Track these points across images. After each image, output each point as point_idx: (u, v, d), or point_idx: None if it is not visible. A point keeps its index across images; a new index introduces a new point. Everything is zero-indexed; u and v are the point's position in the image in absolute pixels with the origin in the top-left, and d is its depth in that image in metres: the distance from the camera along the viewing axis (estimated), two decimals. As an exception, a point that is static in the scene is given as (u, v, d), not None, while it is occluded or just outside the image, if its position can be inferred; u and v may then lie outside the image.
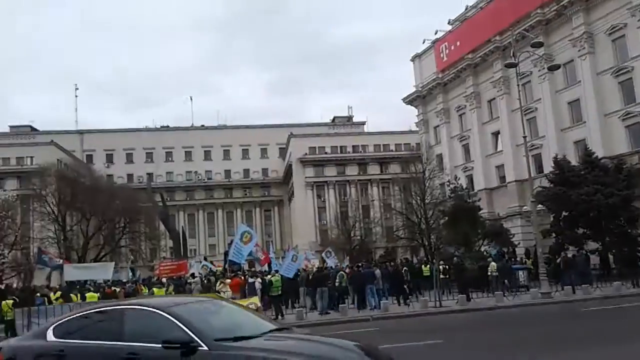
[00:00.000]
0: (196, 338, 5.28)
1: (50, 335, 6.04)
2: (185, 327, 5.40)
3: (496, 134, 47.45)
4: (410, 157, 54.27)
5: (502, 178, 46.30)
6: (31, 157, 69.26)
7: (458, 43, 51.16)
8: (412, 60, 58.95)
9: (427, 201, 45.37)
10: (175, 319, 5.50)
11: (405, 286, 24.89)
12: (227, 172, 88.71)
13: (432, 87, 54.80)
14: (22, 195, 58.81)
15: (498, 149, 47.10)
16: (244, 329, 5.83)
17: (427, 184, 46.28)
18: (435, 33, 54.47)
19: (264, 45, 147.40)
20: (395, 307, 22.13)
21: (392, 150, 77.29)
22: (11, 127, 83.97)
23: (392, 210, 57.89)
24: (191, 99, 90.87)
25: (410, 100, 59.15)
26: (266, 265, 35.99)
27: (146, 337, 5.47)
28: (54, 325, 6.18)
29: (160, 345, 5.25)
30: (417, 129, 61.61)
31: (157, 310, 5.67)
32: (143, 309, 5.88)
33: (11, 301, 20.34)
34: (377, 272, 25.94)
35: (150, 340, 5.40)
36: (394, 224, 57.95)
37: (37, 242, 53.49)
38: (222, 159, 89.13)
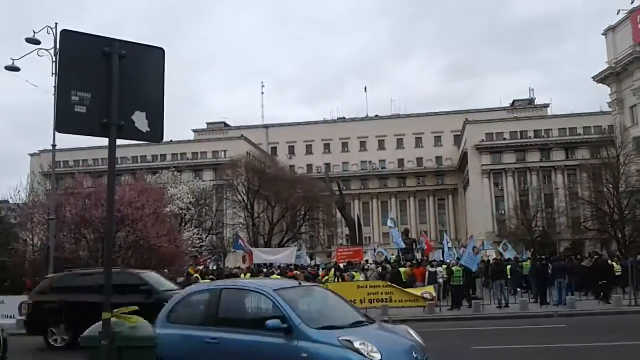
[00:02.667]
0: None
1: None
2: None
3: None
4: (601, 141, 49.72)
5: None
6: (224, 151, 76.43)
7: (661, 11, 45.37)
8: (605, 33, 53.59)
9: (621, 189, 41.24)
10: None
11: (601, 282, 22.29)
12: (400, 161, 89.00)
13: (629, 62, 49.33)
14: (217, 185, 65.31)
15: None
16: None
17: (621, 170, 42.08)
18: (632, 2, 48.88)
19: (438, 30, 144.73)
20: (582, 304, 20.44)
21: (579, 134, 71.03)
22: (208, 123, 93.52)
23: (579, 199, 53.33)
24: (365, 89, 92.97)
25: (601, 78, 53.94)
26: (440, 255, 35.82)
27: None
28: None
29: None
30: (610, 109, 56.01)
31: None
32: None
33: (208, 280, 22.76)
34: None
35: None
36: (581, 214, 53.31)
37: (229, 227, 59.24)
38: (395, 148, 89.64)
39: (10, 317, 20.75)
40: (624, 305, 19.47)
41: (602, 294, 21.30)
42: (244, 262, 37.72)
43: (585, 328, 15.03)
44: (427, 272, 22.89)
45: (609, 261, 25.46)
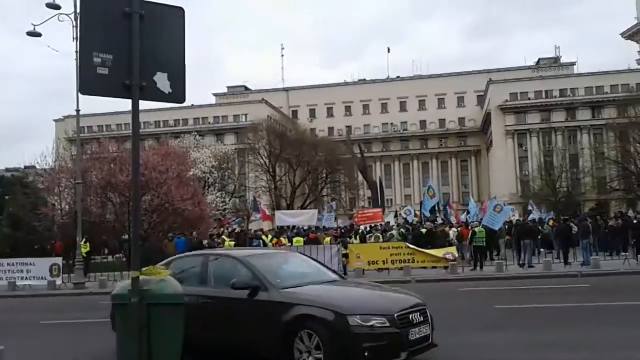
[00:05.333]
0: None
1: None
2: None
3: None
4: (629, 99, 48.59)
5: None
6: (245, 115, 76.43)
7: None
8: (634, -13, 51.66)
9: (649, 148, 40.45)
10: None
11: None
12: (423, 123, 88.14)
13: (659, 17, 47.61)
14: (238, 149, 65.63)
15: None
16: None
17: (649, 129, 41.21)
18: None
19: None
20: (607, 264, 20.28)
21: (606, 93, 69.15)
22: (228, 87, 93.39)
23: (605, 159, 52.52)
24: (388, 50, 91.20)
25: (630, 35, 52.34)
26: (464, 216, 35.77)
27: None
28: None
29: None
30: (638, 67, 54.44)
31: None
32: None
33: (233, 243, 23.18)
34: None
35: None
36: (606, 174, 52.66)
37: (252, 191, 59.76)
38: (417, 110, 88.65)
39: (41, 278, 21.47)
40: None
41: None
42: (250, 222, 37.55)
43: (609, 288, 14.96)
44: (470, 232, 22.69)
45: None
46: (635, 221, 23.58)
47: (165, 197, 25.62)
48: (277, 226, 32.77)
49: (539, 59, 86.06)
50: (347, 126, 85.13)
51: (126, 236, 24.43)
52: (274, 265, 7.71)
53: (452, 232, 23.86)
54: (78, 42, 4.68)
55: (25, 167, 45.95)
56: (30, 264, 21.93)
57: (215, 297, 7.19)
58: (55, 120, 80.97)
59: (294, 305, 6.54)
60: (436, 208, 36.59)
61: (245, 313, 6.92)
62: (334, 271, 8.38)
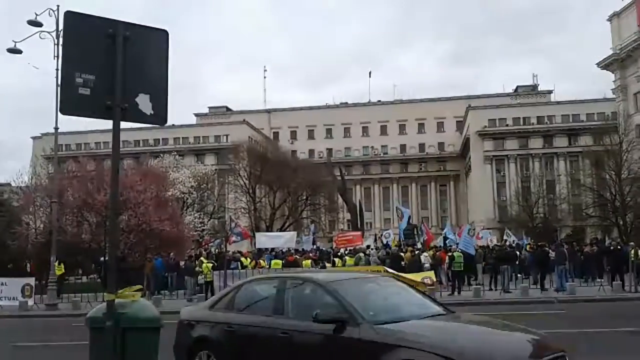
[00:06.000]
0: None
1: None
2: None
3: None
4: (604, 128, 49.69)
5: None
6: (226, 135, 76.24)
7: (667, -3, 45.07)
8: (610, 19, 53.25)
9: (623, 176, 41.28)
10: None
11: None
12: (403, 147, 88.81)
13: (634, 48, 49.12)
14: (219, 170, 65.30)
15: None
16: None
17: (624, 157, 42.08)
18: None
19: (443, 14, 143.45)
20: (583, 290, 20.49)
21: (582, 121, 70.66)
22: (210, 108, 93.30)
23: (581, 186, 53.37)
24: (370, 74, 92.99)
25: (606, 65, 53.70)
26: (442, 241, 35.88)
27: None
28: None
29: None
30: (614, 96, 55.84)
31: None
32: None
33: (211, 264, 22.90)
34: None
35: None
36: (582, 201, 53.44)
37: (231, 212, 59.35)
38: (397, 134, 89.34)
39: (13, 299, 20.96)
40: (624, 292, 19.53)
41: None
42: (230, 244, 37.29)
43: (585, 314, 15.10)
44: (447, 257, 22.82)
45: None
46: (611, 248, 24.00)
47: (142, 218, 25.33)
48: (256, 248, 32.57)
49: (517, 87, 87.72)
50: (328, 149, 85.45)
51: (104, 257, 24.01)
52: (364, 294, 6.44)
53: (424, 257, 23.88)
54: (60, 61, 4.64)
55: (0, 185, 45.15)
56: (2, 283, 21.44)
57: (294, 331, 6.02)
58: (33, 138, 79.91)
59: (392, 347, 5.19)
60: (416, 232, 36.68)
61: (330, 352, 5.74)
62: (438, 302, 6.81)
